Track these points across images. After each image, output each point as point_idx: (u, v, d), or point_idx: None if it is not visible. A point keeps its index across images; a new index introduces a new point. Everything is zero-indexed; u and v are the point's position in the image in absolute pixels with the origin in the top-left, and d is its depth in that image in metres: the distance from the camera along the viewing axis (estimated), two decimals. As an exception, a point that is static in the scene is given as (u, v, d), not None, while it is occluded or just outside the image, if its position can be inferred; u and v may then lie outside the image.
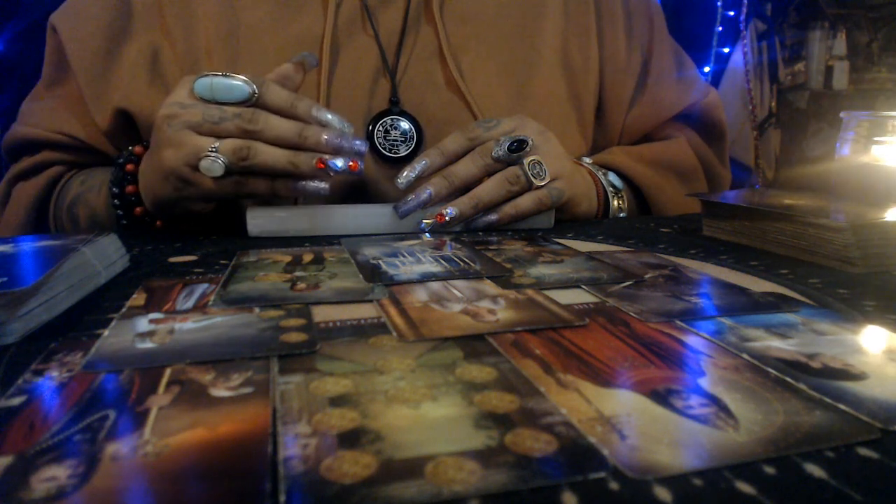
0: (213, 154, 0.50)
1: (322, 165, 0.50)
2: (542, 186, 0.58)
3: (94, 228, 0.64)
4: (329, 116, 0.53)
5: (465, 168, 0.57)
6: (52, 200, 0.69)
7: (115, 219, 0.61)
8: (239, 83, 0.51)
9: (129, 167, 0.60)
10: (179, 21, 0.67)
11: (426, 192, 0.55)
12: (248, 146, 0.50)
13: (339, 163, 0.49)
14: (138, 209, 0.60)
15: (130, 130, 0.68)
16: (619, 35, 0.77)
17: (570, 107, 0.75)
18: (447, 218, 0.55)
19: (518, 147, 0.56)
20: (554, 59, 0.74)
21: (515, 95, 0.72)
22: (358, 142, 0.52)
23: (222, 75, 0.51)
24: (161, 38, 0.67)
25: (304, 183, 0.53)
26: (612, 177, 0.70)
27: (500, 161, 0.56)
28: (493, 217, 0.57)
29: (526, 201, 0.58)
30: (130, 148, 0.61)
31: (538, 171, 0.57)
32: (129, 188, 0.59)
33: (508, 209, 0.57)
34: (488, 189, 0.57)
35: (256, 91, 0.51)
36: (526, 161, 0.57)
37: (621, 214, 0.69)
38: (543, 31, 0.74)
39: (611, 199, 0.69)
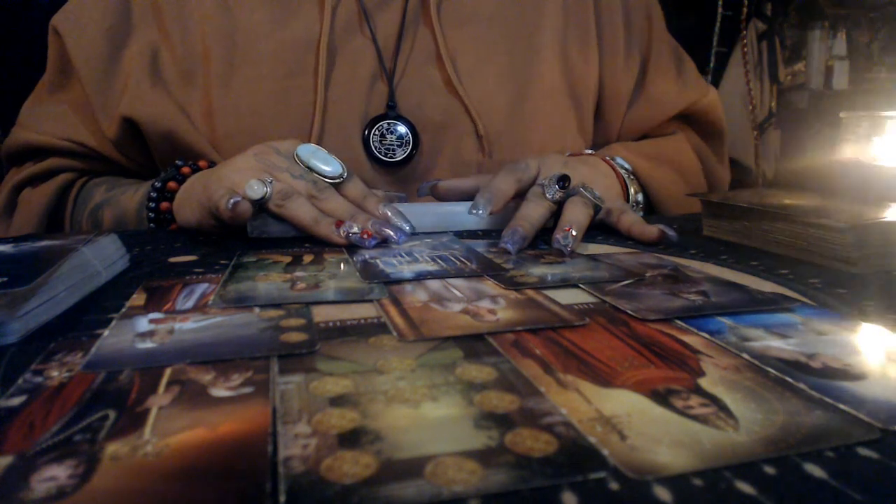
0: (267, 181, 0.50)
1: (338, 225, 0.50)
2: (603, 202, 0.55)
3: (116, 230, 0.64)
4: (391, 214, 0.52)
5: (536, 211, 0.53)
6: (67, 207, 0.68)
7: (145, 213, 0.61)
8: (336, 161, 0.54)
9: (185, 170, 0.60)
10: (176, 23, 0.67)
11: (518, 231, 0.50)
12: (293, 191, 0.51)
13: (355, 228, 0.49)
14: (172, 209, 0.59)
15: (137, 139, 0.68)
16: (619, 34, 0.77)
17: (569, 108, 0.74)
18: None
19: (565, 183, 0.54)
20: (553, 60, 0.74)
21: (515, 98, 0.71)
22: (396, 233, 0.50)
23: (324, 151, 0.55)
24: (159, 40, 0.67)
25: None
26: (619, 160, 0.68)
27: (556, 202, 0.54)
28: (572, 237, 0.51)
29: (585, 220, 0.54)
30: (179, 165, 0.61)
31: (597, 194, 0.55)
32: (172, 184, 0.59)
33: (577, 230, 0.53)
34: (577, 215, 0.52)
35: (345, 173, 0.54)
36: (581, 188, 0.54)
37: (639, 198, 0.67)
38: (542, 32, 0.74)
39: (629, 185, 0.67)
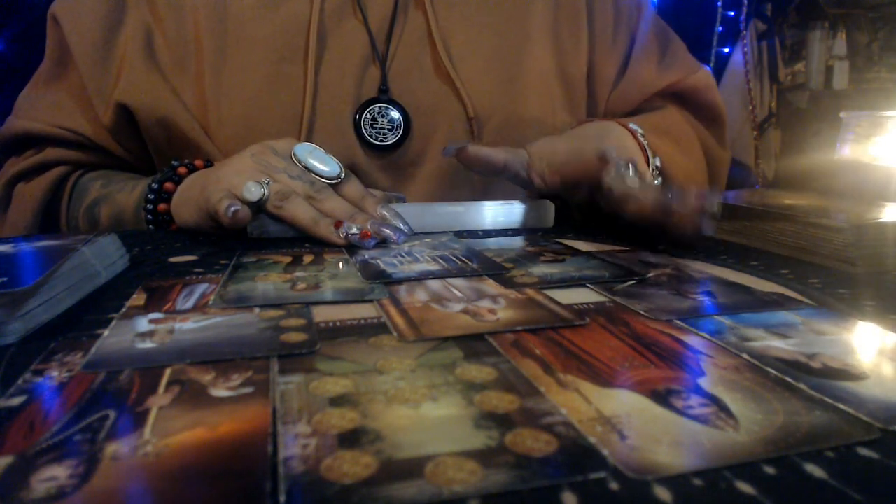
0: (264, 182, 0.50)
1: (337, 226, 0.50)
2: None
3: (114, 228, 0.64)
4: (388, 215, 0.52)
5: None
6: (63, 201, 0.68)
7: (143, 214, 0.61)
8: (334, 161, 0.55)
9: (182, 170, 0.60)
10: (170, 9, 0.67)
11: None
12: (291, 192, 0.51)
13: (354, 229, 0.49)
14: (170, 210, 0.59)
15: (132, 126, 0.68)
16: (608, 15, 0.77)
17: (560, 89, 0.74)
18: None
19: (636, 169, 0.52)
20: (544, 41, 0.73)
21: (506, 79, 0.71)
22: (392, 233, 0.50)
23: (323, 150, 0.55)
24: (153, 23, 0.67)
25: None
26: (633, 125, 0.64)
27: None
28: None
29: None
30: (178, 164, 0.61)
31: (635, 170, 0.52)
32: (168, 185, 0.59)
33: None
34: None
35: (343, 173, 0.54)
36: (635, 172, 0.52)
37: (658, 163, 0.62)
38: (533, 13, 0.74)
39: (647, 150, 0.62)
